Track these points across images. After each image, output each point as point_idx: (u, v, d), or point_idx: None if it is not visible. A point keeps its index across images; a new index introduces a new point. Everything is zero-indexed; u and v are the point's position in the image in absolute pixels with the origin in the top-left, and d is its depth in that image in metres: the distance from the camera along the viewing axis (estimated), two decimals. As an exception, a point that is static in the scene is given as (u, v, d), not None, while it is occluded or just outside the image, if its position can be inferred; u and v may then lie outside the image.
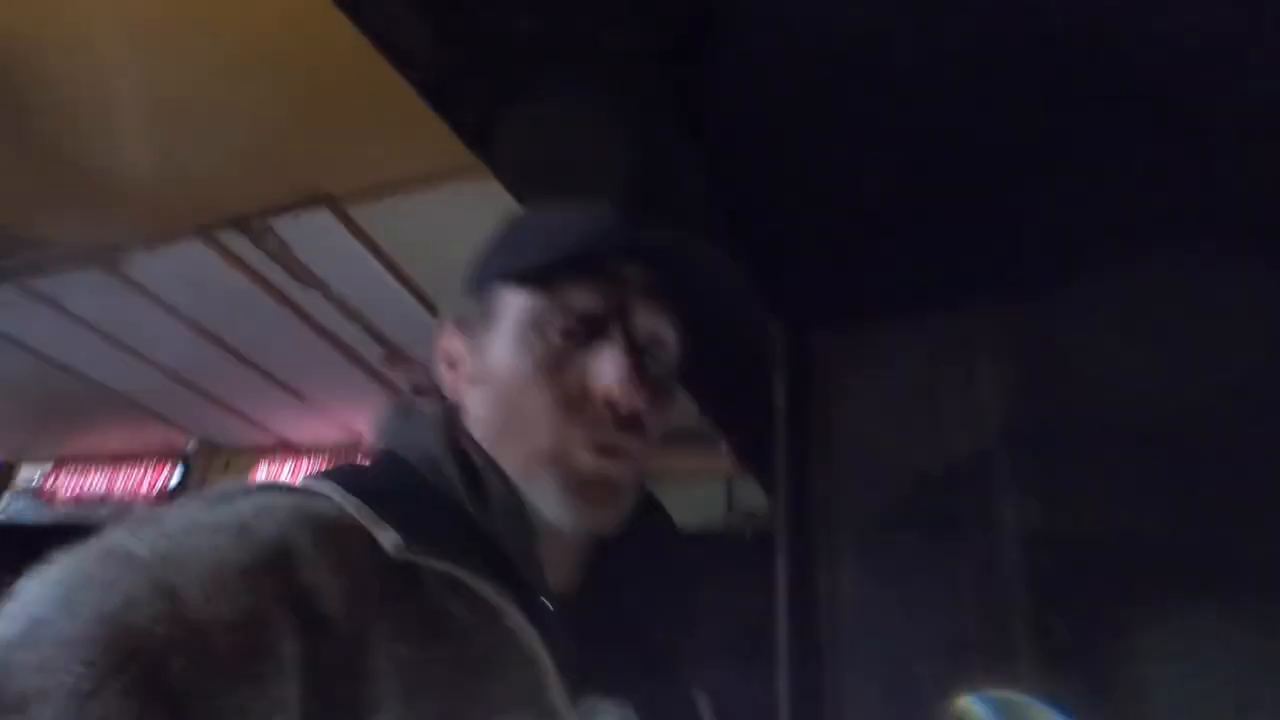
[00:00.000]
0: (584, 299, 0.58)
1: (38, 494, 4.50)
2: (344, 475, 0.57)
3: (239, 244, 2.32)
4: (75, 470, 4.48)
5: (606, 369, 0.56)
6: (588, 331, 0.58)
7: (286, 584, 0.43)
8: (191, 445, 4.03)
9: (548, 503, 0.56)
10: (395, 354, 2.80)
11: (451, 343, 0.65)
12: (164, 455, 4.21)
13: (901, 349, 1.07)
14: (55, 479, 4.50)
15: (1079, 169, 0.85)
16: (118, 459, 4.34)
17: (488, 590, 0.52)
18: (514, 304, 0.60)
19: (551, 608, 0.55)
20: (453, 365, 0.65)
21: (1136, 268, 0.89)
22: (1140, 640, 0.81)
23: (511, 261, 0.61)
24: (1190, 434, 0.87)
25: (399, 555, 0.49)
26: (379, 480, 0.58)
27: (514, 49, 0.74)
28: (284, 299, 2.55)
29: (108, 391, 3.48)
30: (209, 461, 4.10)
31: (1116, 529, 0.85)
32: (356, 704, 0.42)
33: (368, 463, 0.63)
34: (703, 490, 2.93)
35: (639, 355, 0.59)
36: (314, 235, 2.23)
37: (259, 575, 0.43)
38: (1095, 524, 0.86)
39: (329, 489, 0.53)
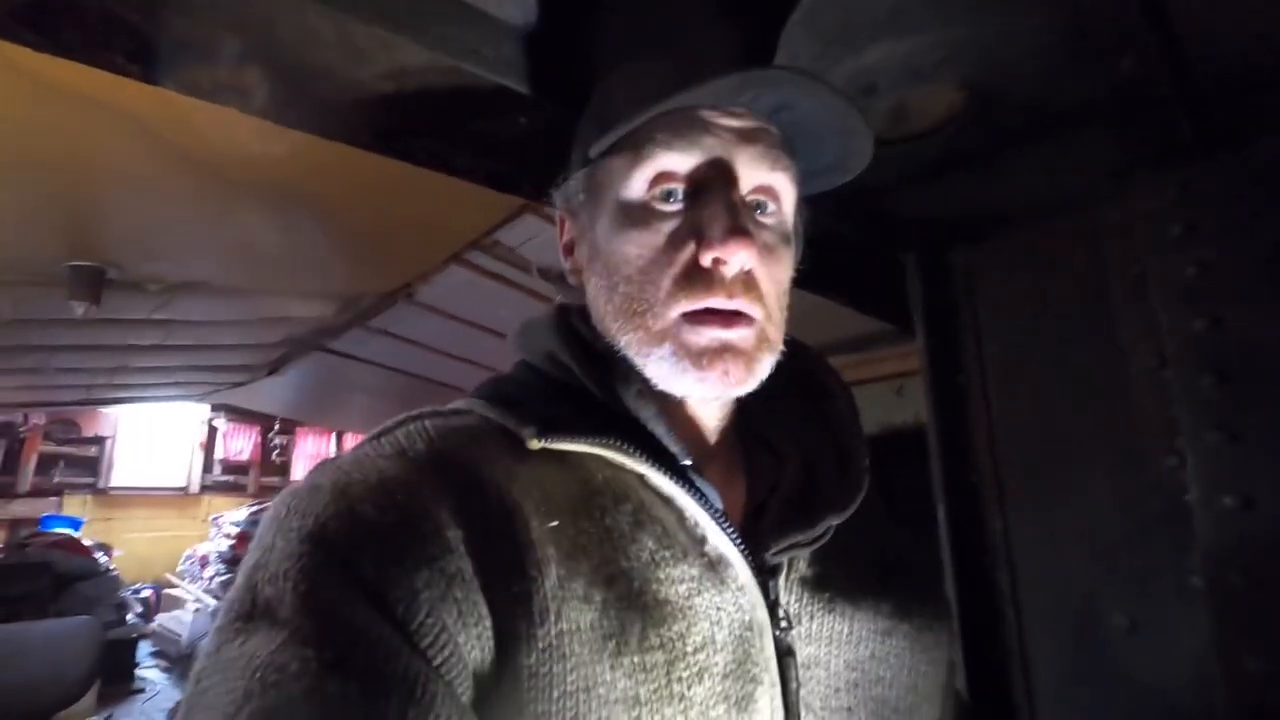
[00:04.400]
0: (679, 157, 0.53)
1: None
2: (485, 389, 0.60)
3: (481, 259, 2.78)
4: (446, 442, 5.79)
5: (709, 229, 0.52)
6: (690, 191, 0.54)
7: (441, 484, 0.48)
8: (511, 411, 4.93)
9: (666, 377, 0.54)
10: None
11: (567, 230, 0.64)
12: (496, 421, 5.22)
13: (1049, 255, 0.95)
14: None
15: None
16: (468, 429, 5.51)
17: (628, 460, 0.53)
18: (612, 173, 0.56)
19: (691, 464, 0.54)
20: (570, 251, 0.63)
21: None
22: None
23: (603, 128, 0.56)
24: None
25: (536, 445, 0.52)
26: (513, 385, 0.60)
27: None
28: (528, 290, 3.00)
29: (443, 386, 4.45)
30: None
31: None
32: (524, 567, 0.47)
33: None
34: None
35: (745, 209, 0.54)
36: (529, 235, 2.59)
37: (417, 482, 0.48)
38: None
39: (471, 404, 0.57)
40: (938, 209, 1.00)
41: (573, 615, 0.46)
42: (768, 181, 0.55)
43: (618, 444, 0.52)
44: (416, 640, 0.42)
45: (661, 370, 0.54)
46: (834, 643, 0.56)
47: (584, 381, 0.57)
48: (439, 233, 2.58)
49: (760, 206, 0.56)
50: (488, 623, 0.45)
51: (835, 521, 0.56)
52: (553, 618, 0.45)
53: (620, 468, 0.54)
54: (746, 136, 0.54)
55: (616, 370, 0.56)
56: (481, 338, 3.57)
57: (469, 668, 0.44)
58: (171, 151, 1.78)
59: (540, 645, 0.45)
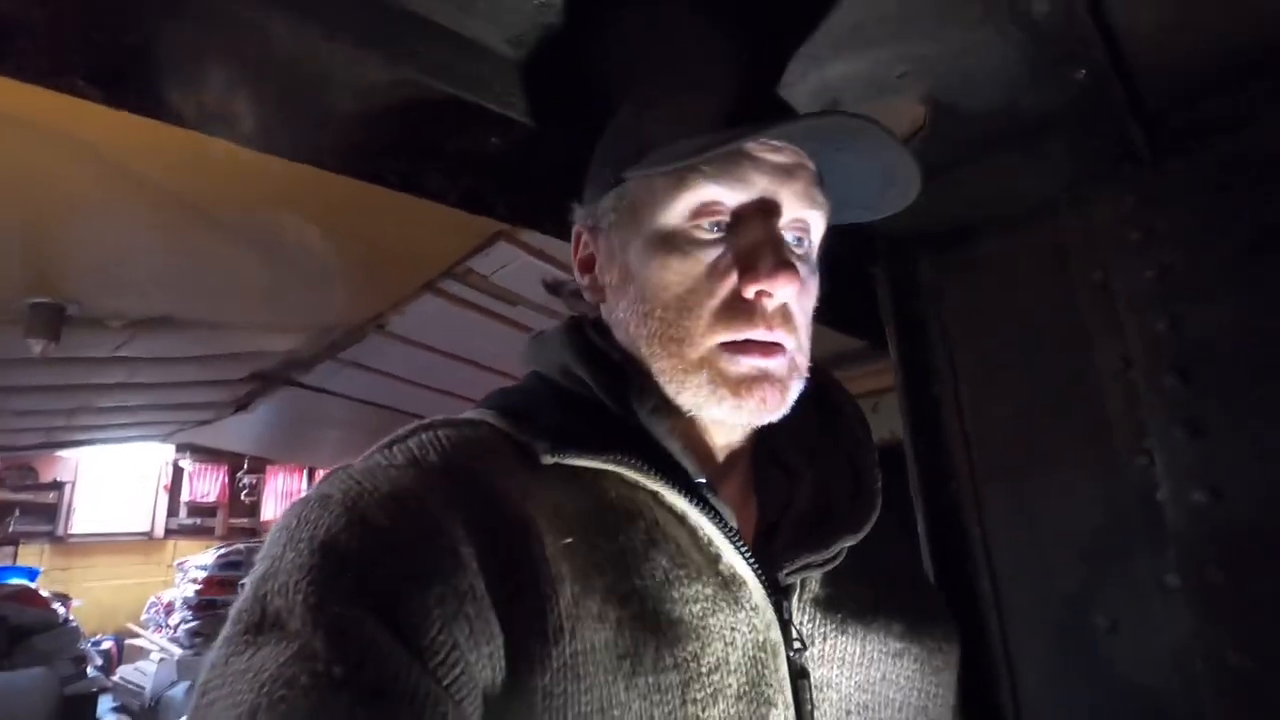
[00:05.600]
0: (724, 190, 0.54)
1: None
2: (496, 400, 0.60)
3: (455, 287, 2.77)
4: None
5: (754, 263, 0.52)
6: (731, 222, 0.54)
7: (454, 497, 0.48)
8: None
9: (701, 404, 0.54)
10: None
11: (584, 244, 0.63)
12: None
13: (1014, 263, 0.97)
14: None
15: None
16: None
17: (641, 477, 0.53)
18: (650, 196, 0.56)
19: (705, 481, 0.54)
20: (589, 268, 0.63)
21: None
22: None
23: (640, 151, 0.56)
24: None
25: (549, 460, 0.52)
26: (525, 398, 0.60)
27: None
28: (504, 318, 2.98)
29: (418, 418, 4.39)
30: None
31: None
32: (538, 585, 0.46)
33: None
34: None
35: (784, 243, 0.55)
36: (503, 263, 2.58)
37: (430, 495, 0.48)
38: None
39: (483, 415, 0.57)
40: (904, 222, 1.02)
41: (587, 635, 0.45)
42: (804, 216, 0.56)
43: (631, 461, 0.52)
44: (426, 659, 0.41)
45: (698, 398, 0.54)
46: (846, 664, 0.55)
47: (599, 395, 0.56)
48: (411, 261, 2.57)
49: (795, 239, 0.56)
50: (499, 641, 0.44)
51: (849, 542, 0.56)
52: (567, 637, 0.45)
53: (634, 485, 0.54)
54: (789, 172, 0.54)
55: (632, 385, 0.56)
56: (457, 368, 3.53)
57: (479, 687, 0.43)
58: (133, 180, 1.75)
59: (555, 665, 0.44)
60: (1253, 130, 0.73)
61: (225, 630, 0.44)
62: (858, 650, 0.56)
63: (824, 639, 0.55)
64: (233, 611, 0.44)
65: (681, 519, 0.53)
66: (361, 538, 0.44)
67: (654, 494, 0.53)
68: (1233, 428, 0.71)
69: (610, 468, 0.53)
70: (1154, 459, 0.78)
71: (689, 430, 0.57)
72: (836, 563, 0.56)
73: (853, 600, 0.58)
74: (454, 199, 0.87)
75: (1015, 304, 0.96)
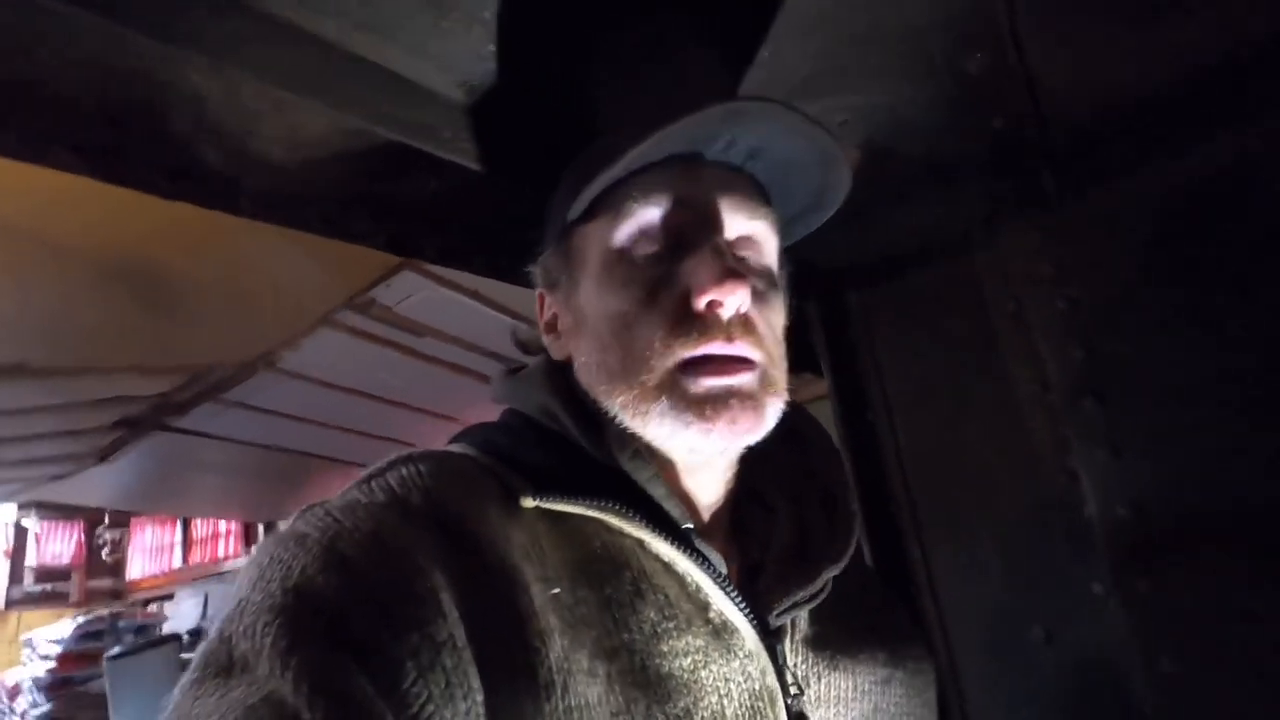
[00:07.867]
0: (660, 210, 0.53)
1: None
2: (476, 435, 0.59)
3: (355, 319, 2.61)
4: (316, 518, 5.30)
5: (699, 273, 0.51)
6: (672, 244, 0.54)
7: (438, 540, 0.46)
8: (390, 477, 4.62)
9: (668, 435, 0.52)
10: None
11: (547, 306, 0.63)
12: (374, 490, 4.86)
13: (936, 295, 1.02)
14: (305, 529, 5.38)
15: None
16: (342, 501, 5.09)
17: (627, 525, 0.51)
18: (591, 237, 0.56)
19: (693, 528, 0.53)
20: (552, 327, 0.62)
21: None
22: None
23: (578, 196, 0.55)
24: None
25: (531, 504, 0.50)
26: (507, 436, 0.58)
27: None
28: (410, 350, 2.85)
29: (310, 457, 4.10)
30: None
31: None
32: (526, 638, 0.44)
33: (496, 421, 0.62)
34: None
35: (732, 255, 0.53)
36: (408, 293, 2.47)
37: (412, 537, 0.45)
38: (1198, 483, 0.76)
39: (464, 449, 0.56)
40: (834, 257, 1.06)
41: (580, 689, 0.44)
42: (748, 231, 0.56)
43: (616, 508, 0.50)
44: (400, 711, 0.39)
45: (663, 429, 0.51)
46: (841, 702, 0.55)
47: (580, 441, 0.55)
48: (306, 293, 2.40)
49: (744, 249, 0.56)
50: (479, 697, 0.41)
51: (833, 573, 0.56)
52: (559, 691, 0.43)
53: (619, 532, 0.52)
54: (724, 184, 0.54)
55: (611, 431, 0.54)
56: (357, 403, 3.34)
57: None
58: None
59: None
60: (1143, 174, 0.81)
61: (187, 675, 0.41)
62: (850, 686, 0.56)
63: (818, 679, 0.55)
64: (196, 655, 0.42)
65: (669, 567, 0.52)
66: (338, 580, 0.42)
67: (640, 541, 0.52)
68: (1149, 447, 0.77)
69: (594, 514, 0.51)
70: (1078, 477, 0.84)
71: (672, 475, 0.56)
72: (823, 597, 0.55)
73: (838, 634, 0.57)
74: (381, 241, 0.82)
75: (939, 333, 1.02)
